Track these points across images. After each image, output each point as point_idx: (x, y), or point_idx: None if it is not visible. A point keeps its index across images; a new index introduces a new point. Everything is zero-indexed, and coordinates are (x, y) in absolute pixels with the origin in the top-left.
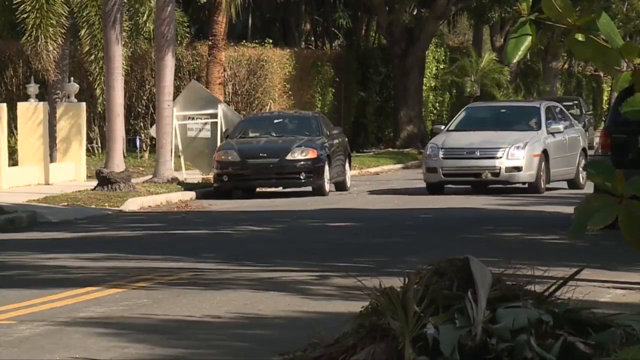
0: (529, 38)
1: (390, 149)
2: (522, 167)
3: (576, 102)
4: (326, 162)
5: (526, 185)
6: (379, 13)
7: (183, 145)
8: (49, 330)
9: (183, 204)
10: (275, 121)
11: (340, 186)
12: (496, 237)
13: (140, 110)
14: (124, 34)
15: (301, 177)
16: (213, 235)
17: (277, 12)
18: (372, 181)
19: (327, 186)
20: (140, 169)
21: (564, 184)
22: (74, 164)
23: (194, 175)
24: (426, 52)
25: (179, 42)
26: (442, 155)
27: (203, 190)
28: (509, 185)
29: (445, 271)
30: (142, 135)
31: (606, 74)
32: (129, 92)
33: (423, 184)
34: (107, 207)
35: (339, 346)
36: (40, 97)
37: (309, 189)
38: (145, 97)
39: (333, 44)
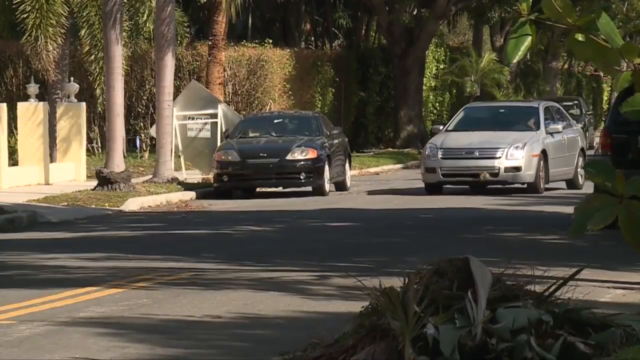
0: (529, 38)
1: (390, 149)
2: (521, 167)
3: (576, 102)
4: (326, 162)
5: (525, 186)
6: (379, 13)
7: (183, 145)
8: (49, 330)
9: (183, 204)
10: (275, 121)
11: (340, 186)
12: (496, 237)
13: (140, 110)
14: (124, 34)
15: (301, 177)
16: (213, 235)
17: (277, 12)
18: (372, 181)
19: (327, 186)
20: (140, 169)
21: (563, 184)
22: (74, 164)
23: (194, 175)
24: (426, 52)
25: (179, 42)
26: (441, 156)
27: (203, 190)
28: (507, 186)
29: (445, 271)
30: (142, 135)
31: (606, 74)
32: (129, 92)
33: (423, 184)
34: (107, 207)
35: (339, 346)
36: (40, 97)
37: (309, 189)
38: (145, 97)
39: (333, 44)
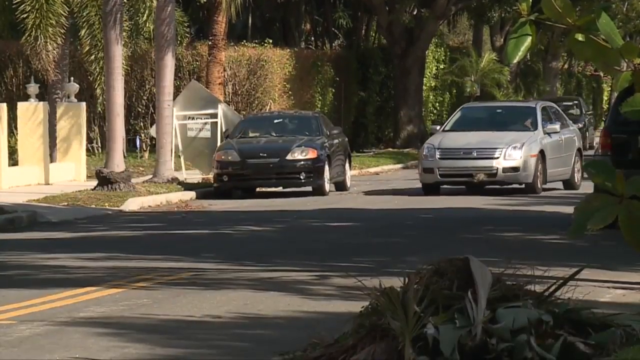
0: (529, 38)
1: (390, 149)
2: (519, 167)
3: (576, 102)
4: (326, 162)
5: (523, 186)
6: (379, 13)
7: (183, 145)
8: (49, 330)
9: (183, 204)
10: (275, 121)
11: (340, 186)
12: (496, 237)
13: (140, 110)
14: (124, 34)
15: (301, 177)
16: (213, 235)
17: (277, 12)
18: (372, 181)
19: (327, 186)
20: (140, 169)
21: (559, 185)
22: (74, 164)
23: (194, 175)
24: (426, 52)
25: (179, 42)
26: (438, 156)
27: (203, 190)
28: (505, 186)
29: (445, 271)
30: (142, 135)
31: (606, 74)
32: (129, 92)
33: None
34: (107, 207)
35: (339, 346)
36: (40, 97)
37: (309, 189)
38: (145, 97)
39: (333, 44)
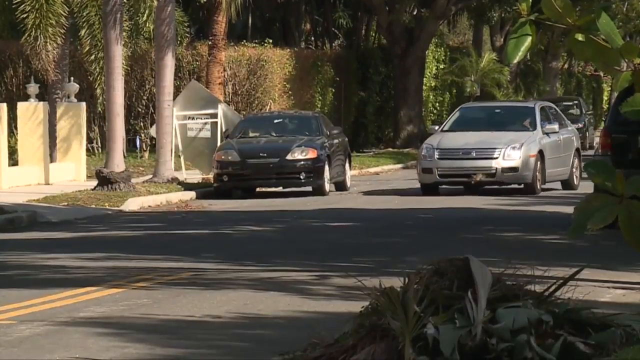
0: (529, 38)
1: (390, 149)
2: (518, 167)
3: (576, 102)
4: (326, 162)
5: (522, 186)
6: (379, 13)
7: (183, 145)
8: (49, 330)
9: (183, 204)
10: (275, 121)
11: (340, 186)
12: (496, 237)
13: (140, 110)
14: (124, 34)
15: (301, 177)
16: (213, 235)
17: (277, 12)
18: (372, 181)
19: (327, 186)
20: (140, 169)
21: (557, 185)
22: (74, 163)
23: (194, 175)
24: (426, 52)
25: (179, 42)
26: (437, 156)
27: (203, 190)
28: (504, 186)
29: (445, 271)
30: (142, 135)
31: (606, 74)
32: (129, 92)
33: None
34: (107, 207)
35: (339, 346)
36: (40, 97)
37: (309, 189)
38: (145, 97)
39: (333, 44)
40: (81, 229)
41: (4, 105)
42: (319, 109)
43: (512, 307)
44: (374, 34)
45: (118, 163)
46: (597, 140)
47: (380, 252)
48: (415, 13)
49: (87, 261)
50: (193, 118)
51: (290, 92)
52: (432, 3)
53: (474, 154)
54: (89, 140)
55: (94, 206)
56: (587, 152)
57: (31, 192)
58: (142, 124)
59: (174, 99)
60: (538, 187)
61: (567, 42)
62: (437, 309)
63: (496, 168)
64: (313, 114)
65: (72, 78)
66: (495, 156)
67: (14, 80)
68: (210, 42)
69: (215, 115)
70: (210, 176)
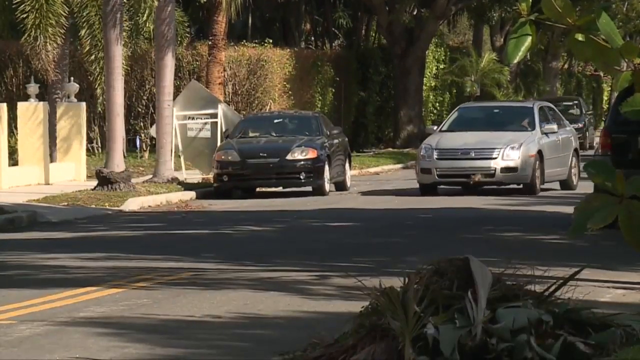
0: (529, 38)
1: (390, 149)
2: (517, 167)
3: (576, 102)
4: (326, 162)
5: (521, 186)
6: (379, 13)
7: (183, 145)
8: (49, 330)
9: (183, 204)
10: (275, 121)
11: (340, 186)
12: (496, 237)
13: (140, 110)
14: (124, 34)
15: (301, 177)
16: (213, 235)
17: (277, 12)
18: (372, 181)
19: (327, 186)
20: (140, 168)
21: (556, 185)
22: (74, 163)
23: (194, 175)
24: (426, 52)
25: (179, 42)
26: (436, 156)
27: (203, 190)
28: (503, 187)
29: (445, 271)
30: (142, 135)
31: (606, 74)
32: (129, 92)
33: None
34: (107, 207)
35: (339, 346)
36: (40, 97)
37: (309, 189)
38: (145, 97)
39: (333, 44)
40: (81, 229)
41: (4, 105)
42: (319, 109)
43: (512, 307)
44: (374, 34)
45: (118, 163)
46: (597, 140)
47: (380, 252)
48: (415, 13)
49: (87, 261)
50: (193, 118)
51: (290, 92)
52: (432, 3)
53: (473, 154)
54: (89, 140)
55: (94, 206)
56: (587, 152)
57: (31, 192)
58: (142, 124)
59: (174, 99)
60: (537, 187)
61: (567, 42)
62: (437, 309)
63: (495, 168)
64: (313, 114)
65: (72, 78)
66: (494, 156)
67: (14, 80)
68: (210, 42)
69: (215, 115)
70: (210, 176)
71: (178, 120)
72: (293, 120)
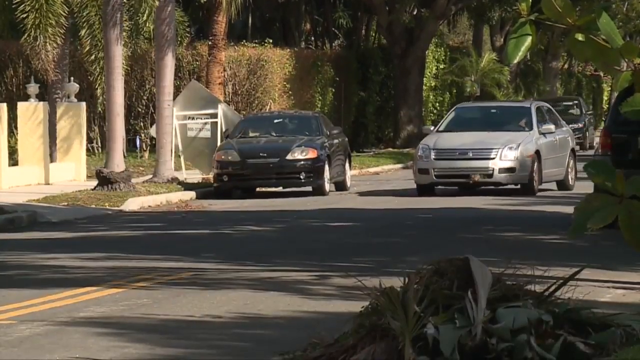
0: (529, 38)
1: (390, 149)
2: (515, 168)
3: (576, 102)
4: (326, 162)
5: (519, 187)
6: (379, 13)
7: (183, 145)
8: (49, 330)
9: (183, 204)
10: (275, 121)
11: (340, 186)
12: (496, 237)
13: (140, 110)
14: (124, 34)
15: (301, 177)
16: (213, 235)
17: (277, 12)
18: (372, 181)
19: (327, 186)
20: (140, 168)
21: (553, 185)
22: (74, 163)
23: (194, 175)
24: (426, 52)
25: (179, 42)
26: (433, 157)
27: (203, 190)
28: (501, 187)
29: (445, 271)
30: (142, 135)
31: (606, 74)
32: (129, 92)
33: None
34: (107, 207)
35: (339, 346)
36: (40, 97)
37: (309, 189)
38: (145, 97)
39: (333, 44)
40: (81, 229)
41: (4, 105)
42: (319, 109)
43: (512, 307)
44: (374, 34)
45: (118, 163)
46: (597, 140)
47: (380, 252)
48: (415, 13)
49: (87, 261)
50: (193, 118)
51: (290, 92)
52: (432, 3)
53: (471, 155)
54: (89, 140)
55: (94, 206)
56: (587, 152)
57: (31, 192)
58: (142, 124)
59: (174, 99)
60: (535, 187)
61: (567, 42)
62: (437, 309)
63: (493, 169)
64: (313, 114)
65: (72, 78)
66: (492, 156)
67: (14, 80)
68: (210, 42)
69: (215, 115)
70: (210, 176)
71: (178, 120)
72: (293, 120)
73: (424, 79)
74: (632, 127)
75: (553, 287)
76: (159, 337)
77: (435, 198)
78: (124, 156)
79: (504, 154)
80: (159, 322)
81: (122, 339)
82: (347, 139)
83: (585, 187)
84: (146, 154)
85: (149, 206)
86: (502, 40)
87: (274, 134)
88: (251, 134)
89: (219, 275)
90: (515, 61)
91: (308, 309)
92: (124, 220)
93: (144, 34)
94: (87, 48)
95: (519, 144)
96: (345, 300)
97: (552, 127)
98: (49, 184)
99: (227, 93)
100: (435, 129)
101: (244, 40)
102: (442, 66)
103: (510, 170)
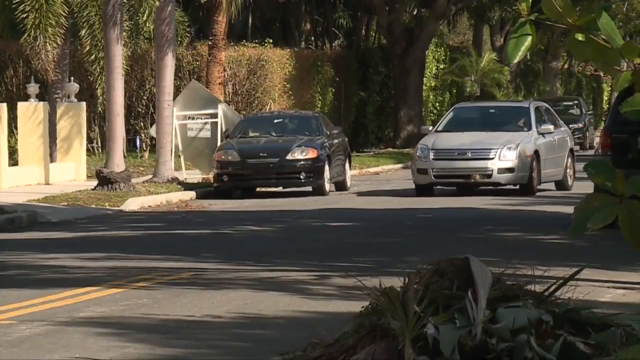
0: (529, 38)
1: (390, 149)
2: (514, 168)
3: (576, 102)
4: (326, 162)
5: (517, 187)
6: (379, 13)
7: (183, 145)
8: (49, 330)
9: (183, 204)
10: (275, 121)
11: (340, 186)
12: (496, 237)
13: (140, 110)
14: (124, 33)
15: (301, 177)
16: (213, 235)
17: (277, 12)
18: (372, 181)
19: (327, 186)
20: (140, 168)
21: (551, 185)
22: (74, 163)
23: (194, 175)
24: (426, 52)
25: (179, 42)
26: (432, 157)
27: (203, 190)
28: (499, 187)
29: (445, 271)
30: (142, 135)
31: (606, 74)
32: (129, 92)
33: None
34: (107, 207)
35: (339, 346)
36: (40, 97)
37: (309, 189)
38: (145, 97)
39: (333, 44)
40: (81, 229)
41: (4, 105)
42: (319, 109)
43: (512, 307)
44: (374, 34)
45: (118, 163)
46: (597, 140)
47: (380, 252)
48: (415, 13)
49: (87, 261)
50: (193, 118)
51: (290, 92)
52: (432, 3)
53: (470, 155)
54: (89, 140)
55: (94, 206)
56: (587, 152)
57: (31, 192)
58: (142, 124)
59: (174, 99)
60: (535, 187)
61: (567, 42)
62: (437, 309)
63: (492, 169)
64: (313, 114)
65: (72, 78)
66: (491, 157)
67: (14, 80)
68: (210, 42)
69: (215, 115)
70: (210, 176)
71: (178, 120)
72: (293, 120)
73: (424, 79)
74: (632, 127)
75: (553, 287)
76: (159, 337)
77: (435, 198)
78: (124, 156)
79: (503, 154)
80: (159, 322)
81: (122, 339)
82: (347, 139)
83: (585, 187)
84: (146, 154)
85: (149, 206)
86: (502, 40)
87: (274, 134)
88: (251, 134)
89: (219, 275)
90: (515, 61)
91: (308, 309)
92: (124, 220)
93: (144, 34)
94: (87, 48)
95: (518, 144)
96: (345, 300)
97: (550, 127)
98: (49, 184)
99: (227, 93)
100: (434, 129)
101: (244, 40)
102: (442, 66)
103: (509, 170)
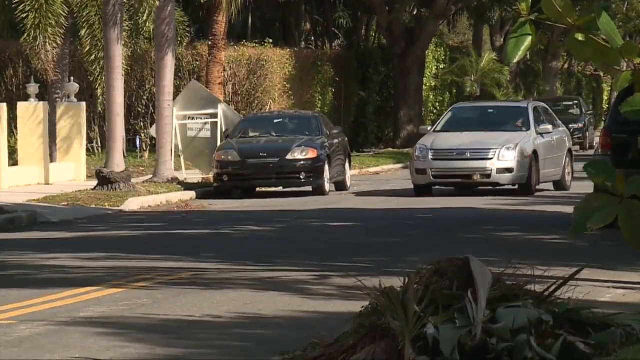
0: (529, 38)
1: (390, 149)
2: (513, 168)
3: (576, 102)
4: (326, 162)
5: (516, 187)
6: (379, 13)
7: (183, 145)
8: (49, 330)
9: (183, 204)
10: (275, 121)
11: (340, 186)
12: (496, 237)
13: (140, 110)
14: (124, 33)
15: (301, 177)
16: (213, 235)
17: (277, 12)
18: (372, 181)
19: (327, 186)
20: (140, 168)
21: (550, 186)
22: (74, 163)
23: (194, 175)
24: (426, 52)
25: (179, 42)
26: (431, 157)
27: (203, 190)
28: (498, 187)
29: (445, 271)
30: (142, 135)
31: (606, 74)
32: (129, 92)
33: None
34: (107, 207)
35: (339, 346)
36: (40, 97)
37: (309, 189)
38: (145, 97)
39: (333, 44)
40: (81, 229)
41: (4, 105)
42: (319, 109)
43: (512, 307)
44: (374, 34)
45: (118, 163)
46: (597, 140)
47: (380, 252)
48: (415, 13)
49: (87, 261)
50: (193, 118)
51: (290, 92)
52: (432, 3)
53: (469, 155)
54: (89, 140)
55: (94, 206)
56: (587, 152)
57: (31, 192)
58: (142, 124)
59: (174, 99)
60: (533, 187)
61: (567, 42)
62: (437, 309)
63: (491, 169)
64: (313, 114)
65: (72, 78)
66: (490, 157)
67: (14, 80)
68: (210, 42)
69: (215, 115)
70: (210, 176)
71: (178, 120)
72: (293, 120)
73: (424, 79)
74: (632, 127)
75: (553, 287)
76: (159, 337)
77: (435, 198)
78: (124, 156)
79: (502, 154)
80: (159, 322)
81: (122, 339)
82: (347, 139)
83: (584, 187)
84: (146, 154)
85: (149, 206)
86: (502, 40)
87: (274, 134)
88: (251, 134)
89: (219, 275)
90: (515, 61)
91: (308, 309)
92: (124, 220)
93: (144, 34)
94: (87, 48)
95: (517, 144)
96: (345, 300)
97: (549, 127)
98: (49, 184)
99: (227, 93)
100: (433, 129)
101: (244, 40)
102: (442, 66)
103: (508, 170)
